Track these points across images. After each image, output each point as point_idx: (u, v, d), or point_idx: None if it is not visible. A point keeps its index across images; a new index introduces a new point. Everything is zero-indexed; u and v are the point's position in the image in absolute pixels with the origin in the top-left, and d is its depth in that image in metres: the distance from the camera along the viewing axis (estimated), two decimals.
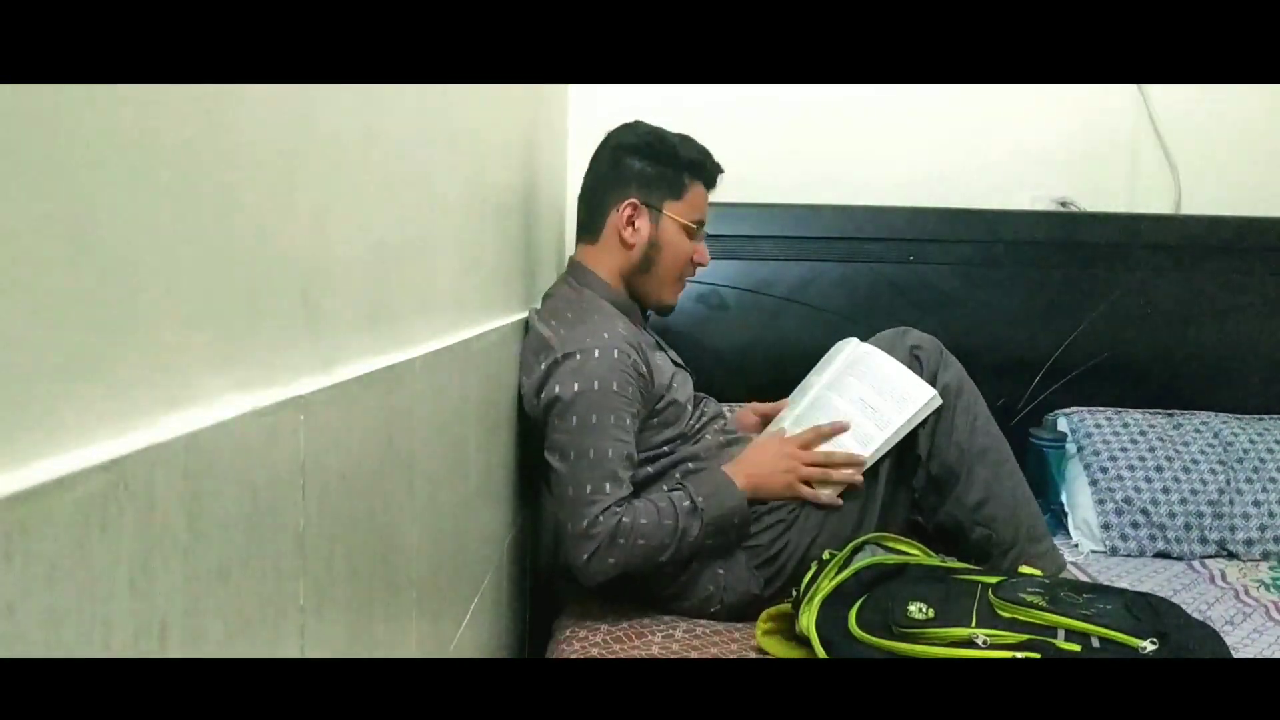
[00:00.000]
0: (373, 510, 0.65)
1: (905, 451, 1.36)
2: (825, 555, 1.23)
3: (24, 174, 0.32)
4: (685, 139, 1.41)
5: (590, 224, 1.43)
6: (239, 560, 0.45)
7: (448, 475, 0.89)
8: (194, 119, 0.42)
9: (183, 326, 0.42)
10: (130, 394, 0.38)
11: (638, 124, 1.43)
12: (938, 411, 1.33)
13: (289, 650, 0.51)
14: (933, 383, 1.35)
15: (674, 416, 1.36)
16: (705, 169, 1.42)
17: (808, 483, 1.32)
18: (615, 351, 1.26)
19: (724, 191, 1.75)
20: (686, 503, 1.26)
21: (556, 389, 1.24)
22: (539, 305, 1.43)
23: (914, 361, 1.36)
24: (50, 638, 0.32)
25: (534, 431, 1.31)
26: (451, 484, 0.91)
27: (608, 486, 1.22)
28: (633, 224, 1.38)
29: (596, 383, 1.23)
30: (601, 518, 1.20)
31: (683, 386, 1.42)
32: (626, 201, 1.38)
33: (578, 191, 1.93)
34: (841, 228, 1.94)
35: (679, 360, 1.50)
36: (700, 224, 1.43)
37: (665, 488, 1.31)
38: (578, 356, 1.25)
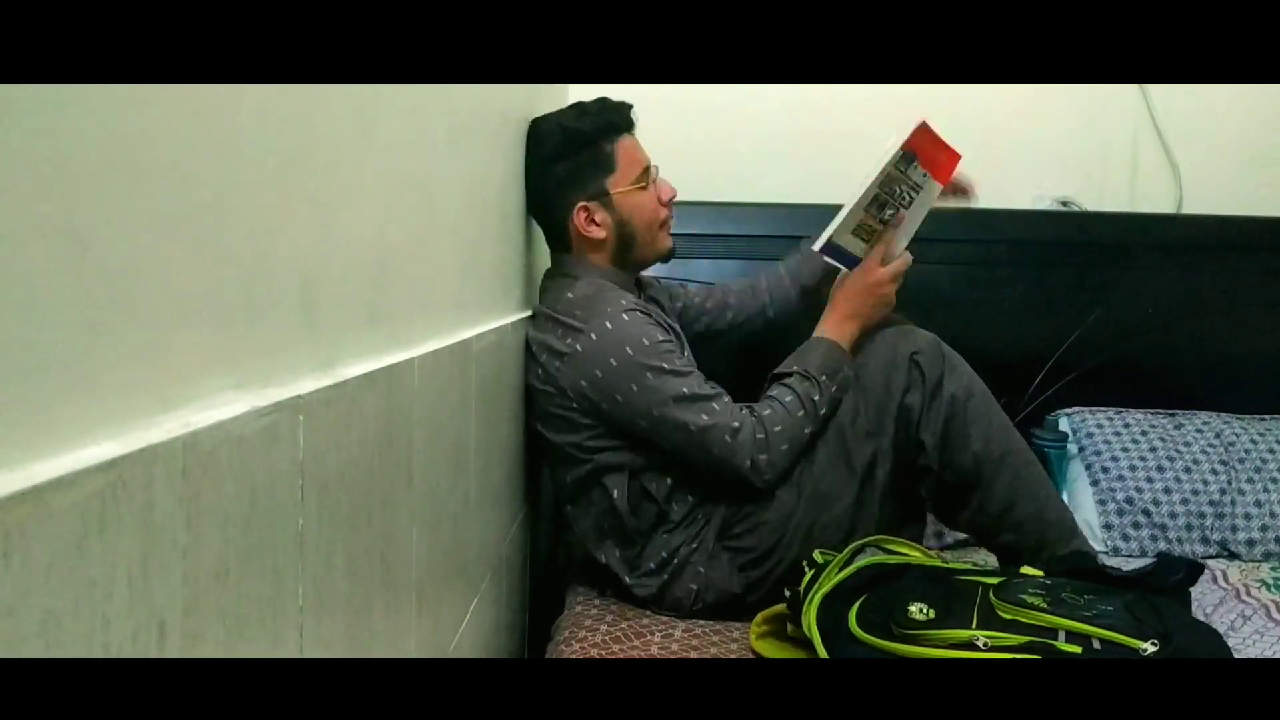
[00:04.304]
0: (372, 510, 0.65)
1: (906, 463, 1.33)
2: (818, 557, 1.22)
3: (23, 174, 0.32)
4: (582, 109, 1.41)
5: (557, 238, 1.46)
6: (238, 560, 0.45)
7: (448, 475, 0.89)
8: (193, 119, 0.42)
9: (181, 326, 0.42)
10: (129, 394, 0.38)
11: (543, 124, 1.41)
12: (947, 422, 1.29)
13: (288, 650, 0.51)
14: (936, 390, 1.31)
15: None
16: (616, 122, 1.41)
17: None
18: (638, 311, 1.31)
19: (724, 191, 1.75)
20: (790, 378, 1.33)
21: (611, 362, 1.27)
22: (539, 303, 1.44)
23: (913, 368, 1.33)
24: (49, 638, 0.32)
25: (577, 414, 1.32)
26: (451, 484, 0.91)
27: (715, 405, 1.27)
28: (593, 221, 1.40)
29: (645, 338, 1.28)
30: (737, 424, 1.26)
31: (684, 350, 1.44)
32: (577, 208, 1.40)
33: None
34: None
35: (677, 329, 1.52)
36: (646, 170, 1.43)
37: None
38: (608, 325, 1.28)
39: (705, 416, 1.26)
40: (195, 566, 0.41)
